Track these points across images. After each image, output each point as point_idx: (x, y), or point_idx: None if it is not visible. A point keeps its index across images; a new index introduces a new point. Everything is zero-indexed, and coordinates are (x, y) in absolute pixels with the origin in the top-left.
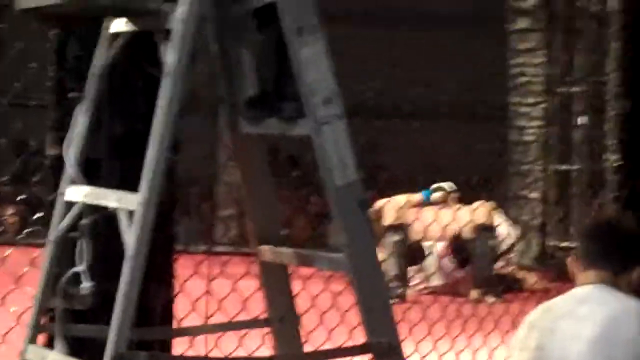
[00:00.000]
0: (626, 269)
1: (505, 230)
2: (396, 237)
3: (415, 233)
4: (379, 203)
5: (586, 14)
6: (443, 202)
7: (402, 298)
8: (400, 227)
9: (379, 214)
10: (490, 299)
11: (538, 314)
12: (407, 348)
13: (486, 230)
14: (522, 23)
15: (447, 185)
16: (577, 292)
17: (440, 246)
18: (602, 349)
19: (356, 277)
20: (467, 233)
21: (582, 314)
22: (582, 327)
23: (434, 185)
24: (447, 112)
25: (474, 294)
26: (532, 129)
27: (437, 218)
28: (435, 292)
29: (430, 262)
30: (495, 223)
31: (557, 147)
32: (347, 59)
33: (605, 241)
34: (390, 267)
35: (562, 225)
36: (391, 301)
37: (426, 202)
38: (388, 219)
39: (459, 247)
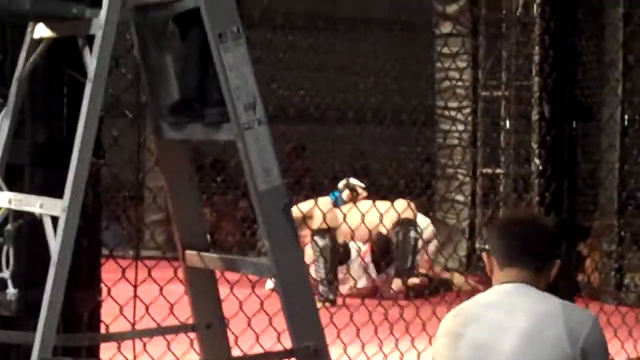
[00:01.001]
0: (546, 265)
1: (423, 222)
2: (324, 241)
3: (343, 235)
4: (304, 206)
5: (510, 19)
6: (352, 201)
7: (332, 302)
8: (327, 230)
9: (307, 216)
10: (414, 280)
11: (454, 320)
12: (334, 351)
13: (406, 223)
14: (446, 28)
15: (354, 181)
16: (498, 294)
17: (363, 246)
18: (529, 351)
19: (281, 281)
20: (387, 227)
21: (505, 319)
22: (507, 330)
23: (342, 183)
24: (372, 117)
25: (397, 283)
26: (456, 133)
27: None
28: (360, 294)
29: (355, 264)
30: (413, 216)
31: (483, 150)
32: (270, 65)
33: (525, 239)
34: (319, 271)
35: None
36: (320, 305)
37: (335, 205)
38: (315, 223)
39: (381, 248)
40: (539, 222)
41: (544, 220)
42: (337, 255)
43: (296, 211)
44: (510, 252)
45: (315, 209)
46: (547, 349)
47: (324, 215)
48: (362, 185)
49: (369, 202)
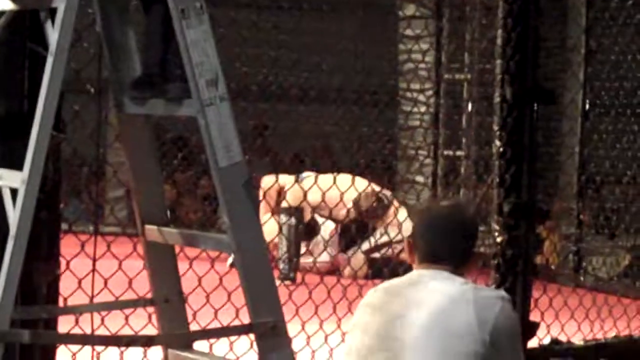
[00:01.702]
0: (464, 262)
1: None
2: (289, 219)
3: (310, 210)
4: (266, 181)
5: (474, 2)
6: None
7: (292, 280)
8: (295, 209)
9: (270, 193)
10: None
11: (374, 295)
12: (292, 329)
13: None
14: (410, 10)
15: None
16: (419, 275)
17: (330, 225)
18: (438, 334)
19: (240, 257)
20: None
21: (418, 298)
22: (417, 312)
23: (305, 174)
24: (335, 97)
25: (357, 261)
26: (418, 114)
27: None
28: (319, 269)
29: (319, 239)
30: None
31: (444, 132)
32: (233, 42)
33: (445, 240)
34: (281, 249)
35: None
36: (279, 283)
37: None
38: (285, 201)
39: (347, 229)
40: (460, 218)
41: (465, 214)
42: (307, 229)
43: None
44: (429, 252)
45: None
46: (457, 332)
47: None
48: None
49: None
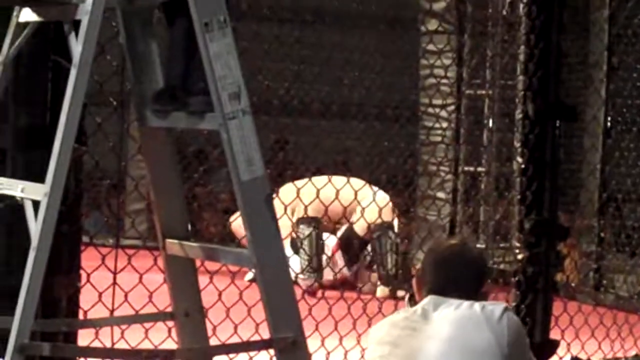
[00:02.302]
0: (473, 299)
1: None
2: (309, 229)
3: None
4: (286, 190)
5: (496, 18)
6: None
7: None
8: (314, 219)
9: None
10: (401, 293)
11: (384, 329)
12: (312, 344)
13: (386, 227)
14: (432, 25)
15: None
16: (426, 305)
17: (332, 240)
18: (459, 356)
19: (261, 272)
20: (362, 230)
21: (429, 330)
22: (433, 343)
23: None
24: (356, 112)
25: (384, 291)
26: (440, 130)
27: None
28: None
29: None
30: (392, 218)
31: (465, 148)
32: (255, 56)
33: (453, 274)
34: (304, 261)
35: (470, 226)
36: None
37: None
38: (301, 211)
39: (348, 244)
40: (468, 256)
41: (472, 252)
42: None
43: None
44: (437, 289)
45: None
46: (477, 350)
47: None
48: None
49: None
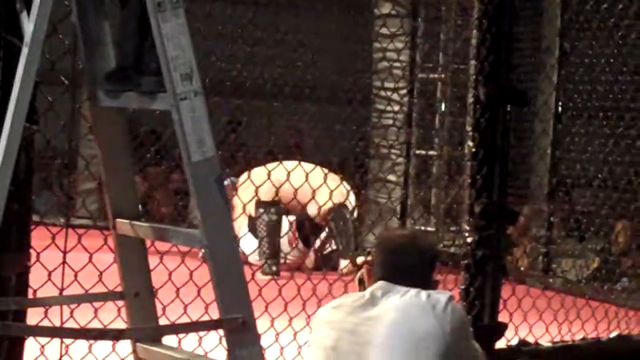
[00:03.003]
0: (423, 288)
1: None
2: (269, 214)
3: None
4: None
5: (450, 2)
6: None
7: (277, 275)
8: (274, 203)
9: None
10: (361, 259)
11: (330, 312)
12: (262, 325)
13: (340, 208)
14: (385, 8)
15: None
16: (374, 290)
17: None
18: (399, 342)
19: (211, 252)
20: (316, 213)
21: (373, 314)
22: (373, 327)
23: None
24: (309, 94)
25: (348, 266)
26: (392, 113)
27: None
28: (289, 267)
29: (285, 238)
30: (346, 197)
31: (417, 132)
32: (209, 37)
33: (404, 264)
34: (264, 244)
35: (421, 209)
36: (266, 277)
37: None
38: (263, 195)
39: (301, 225)
40: (418, 246)
41: (423, 243)
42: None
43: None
44: (388, 277)
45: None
46: (420, 336)
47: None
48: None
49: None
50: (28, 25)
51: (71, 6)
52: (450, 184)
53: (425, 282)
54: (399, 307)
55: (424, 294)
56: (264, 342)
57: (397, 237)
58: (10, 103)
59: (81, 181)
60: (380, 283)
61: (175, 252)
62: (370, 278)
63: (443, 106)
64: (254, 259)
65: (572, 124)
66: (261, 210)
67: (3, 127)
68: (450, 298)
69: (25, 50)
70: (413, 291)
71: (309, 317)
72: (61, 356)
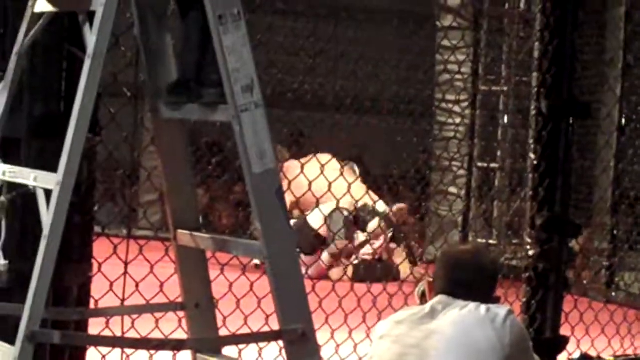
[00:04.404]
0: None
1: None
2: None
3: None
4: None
5: (512, 14)
6: None
7: None
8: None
9: None
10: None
11: (392, 326)
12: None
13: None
14: (448, 20)
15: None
16: (427, 306)
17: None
18: (458, 356)
19: (271, 264)
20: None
21: (432, 328)
22: (433, 341)
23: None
24: (371, 106)
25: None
26: (453, 126)
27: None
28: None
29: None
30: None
31: (479, 144)
32: (270, 49)
33: (466, 280)
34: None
35: (483, 222)
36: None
37: None
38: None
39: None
40: (480, 262)
41: (485, 258)
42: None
43: None
44: (448, 293)
45: None
46: (481, 351)
47: None
48: None
49: None
50: (91, 38)
51: (133, 19)
52: (512, 197)
53: (486, 298)
54: (457, 320)
55: (483, 307)
56: (324, 353)
57: (460, 252)
58: (73, 114)
59: (143, 193)
60: (441, 297)
61: (236, 264)
62: (432, 292)
63: (505, 118)
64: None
65: (636, 136)
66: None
67: (66, 137)
68: (510, 312)
69: (88, 62)
70: (472, 305)
71: (369, 329)
72: None
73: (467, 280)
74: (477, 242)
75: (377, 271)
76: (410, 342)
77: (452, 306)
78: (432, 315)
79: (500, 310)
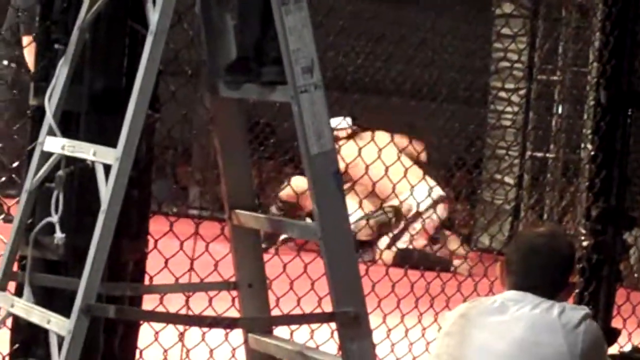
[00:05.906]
0: (558, 291)
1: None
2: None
3: None
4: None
5: (571, 3)
6: None
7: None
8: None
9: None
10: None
11: (456, 321)
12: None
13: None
14: (506, 8)
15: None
16: (497, 300)
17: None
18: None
19: (326, 245)
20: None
21: (501, 327)
22: (501, 342)
23: None
24: (427, 92)
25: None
26: (510, 114)
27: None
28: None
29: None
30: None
31: (534, 133)
32: (329, 32)
33: (540, 265)
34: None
35: (535, 211)
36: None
37: None
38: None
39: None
40: (556, 248)
41: (562, 244)
42: None
43: None
44: (522, 280)
45: None
46: (547, 357)
47: None
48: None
49: None
50: (153, 15)
51: None
52: (566, 187)
53: (560, 285)
54: (527, 322)
55: (556, 309)
56: (375, 338)
57: (534, 236)
58: (133, 90)
59: (197, 171)
60: (512, 293)
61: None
62: (502, 275)
63: (561, 108)
64: None
65: None
66: None
67: (126, 113)
68: (586, 316)
69: (149, 39)
70: (545, 305)
71: (421, 314)
72: (175, 343)
73: (541, 264)
74: (553, 225)
75: (429, 258)
76: (476, 340)
77: (524, 303)
78: (501, 310)
79: (575, 313)
